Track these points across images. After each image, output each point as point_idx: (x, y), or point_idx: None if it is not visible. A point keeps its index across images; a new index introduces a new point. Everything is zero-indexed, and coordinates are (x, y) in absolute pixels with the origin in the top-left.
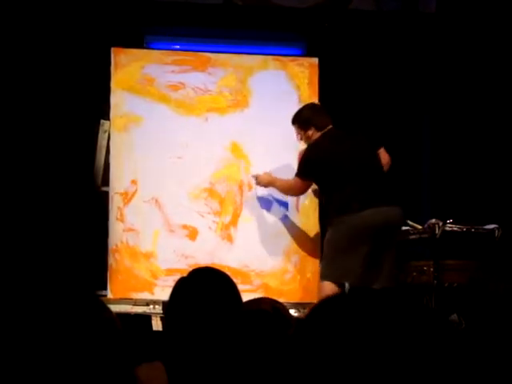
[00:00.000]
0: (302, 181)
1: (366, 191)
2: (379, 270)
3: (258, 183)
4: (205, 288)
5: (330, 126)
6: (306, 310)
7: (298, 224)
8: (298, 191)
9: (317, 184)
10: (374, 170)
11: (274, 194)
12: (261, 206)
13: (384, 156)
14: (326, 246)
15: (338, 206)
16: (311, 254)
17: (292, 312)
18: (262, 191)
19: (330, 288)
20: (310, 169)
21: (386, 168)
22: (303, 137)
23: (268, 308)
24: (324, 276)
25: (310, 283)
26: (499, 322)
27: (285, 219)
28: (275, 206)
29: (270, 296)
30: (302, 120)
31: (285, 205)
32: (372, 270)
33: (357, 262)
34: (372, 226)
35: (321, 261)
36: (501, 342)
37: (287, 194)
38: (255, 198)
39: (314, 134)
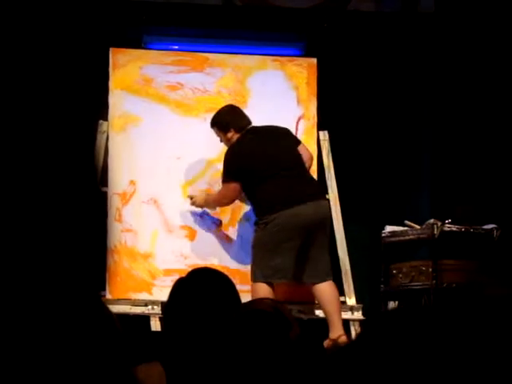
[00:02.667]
0: (230, 185)
1: (288, 189)
2: (312, 265)
3: (193, 203)
4: (203, 288)
5: (249, 126)
6: (305, 310)
7: None
8: (230, 198)
9: (241, 186)
10: (295, 166)
11: None
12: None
13: (305, 152)
14: (253, 247)
15: (261, 207)
16: None
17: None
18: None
19: (262, 288)
20: (232, 171)
21: (308, 164)
22: (224, 139)
23: (269, 308)
24: (255, 277)
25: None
26: (496, 323)
27: None
28: None
29: (271, 296)
30: (220, 123)
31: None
32: (304, 265)
33: (286, 260)
34: (297, 224)
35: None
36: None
37: (221, 205)
38: None
39: (233, 135)
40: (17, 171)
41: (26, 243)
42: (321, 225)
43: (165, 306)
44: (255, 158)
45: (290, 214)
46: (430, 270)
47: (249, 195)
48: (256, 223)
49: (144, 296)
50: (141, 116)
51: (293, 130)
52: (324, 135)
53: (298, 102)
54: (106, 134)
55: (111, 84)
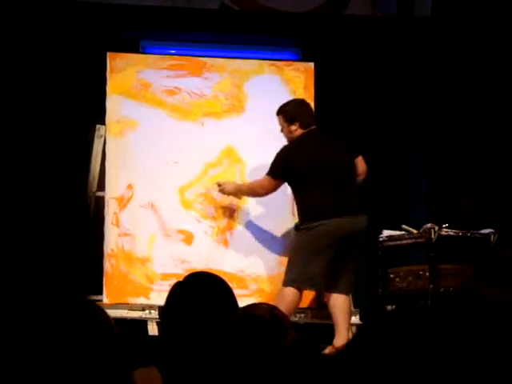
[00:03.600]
0: (272, 180)
1: (336, 200)
2: (338, 277)
3: (221, 190)
4: (201, 293)
5: (314, 127)
6: (303, 316)
7: (294, 228)
8: (267, 190)
9: (289, 185)
10: (347, 178)
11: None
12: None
13: (361, 165)
14: (292, 252)
15: (307, 212)
16: None
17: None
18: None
19: (292, 293)
20: (282, 170)
21: (361, 177)
22: (286, 130)
23: (265, 313)
24: (289, 281)
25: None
26: (492, 328)
27: (281, 224)
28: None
29: (265, 301)
30: (288, 113)
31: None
32: (332, 276)
33: (321, 269)
34: (338, 235)
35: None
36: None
37: (256, 195)
38: (251, 203)
39: (296, 130)
40: (14, 175)
41: (22, 248)
42: (355, 239)
43: (162, 310)
44: (309, 163)
45: (333, 223)
46: (427, 274)
47: (297, 198)
48: (298, 228)
49: (141, 300)
50: (138, 120)
51: None
52: None
53: None
54: (103, 139)
55: (109, 88)
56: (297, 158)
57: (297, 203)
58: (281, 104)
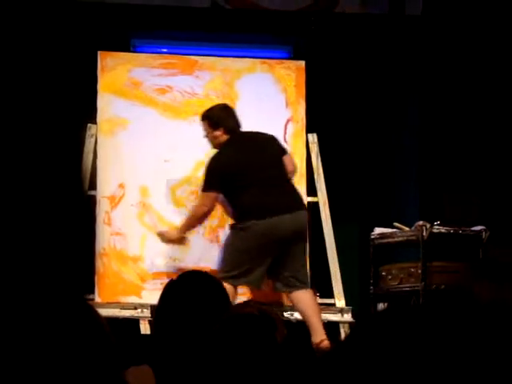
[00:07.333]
0: (211, 194)
1: (268, 199)
2: (294, 275)
3: (164, 240)
4: (194, 291)
5: (238, 131)
6: (295, 314)
7: None
8: (210, 206)
9: (222, 192)
10: (278, 176)
11: None
12: None
13: (289, 163)
14: (225, 248)
15: (240, 212)
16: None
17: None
18: None
19: (227, 288)
20: (218, 181)
21: (291, 175)
22: (210, 136)
23: (254, 311)
24: (221, 276)
25: None
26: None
27: None
28: None
29: (257, 299)
30: (212, 119)
31: None
32: (278, 275)
33: (255, 268)
34: (273, 235)
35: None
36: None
37: (202, 218)
38: None
39: (222, 135)
40: (5, 174)
41: (12, 247)
42: (297, 236)
43: (155, 308)
44: (239, 167)
45: (267, 224)
46: (419, 271)
47: (229, 200)
48: (232, 226)
49: (133, 299)
50: (129, 119)
51: (281, 133)
52: (313, 138)
53: (287, 104)
54: (94, 138)
55: (100, 87)
56: (228, 165)
57: (230, 205)
58: (271, 102)
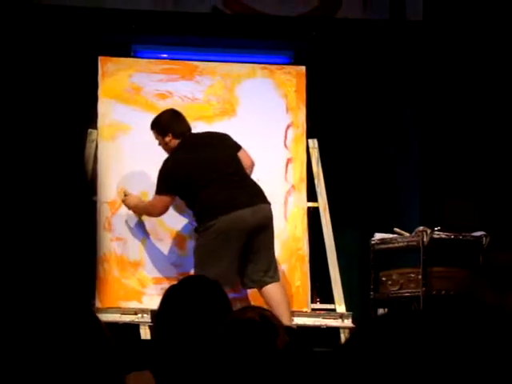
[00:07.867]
0: (162, 198)
1: (227, 195)
2: (256, 269)
3: (124, 202)
4: (195, 296)
5: (188, 133)
6: (296, 319)
7: (286, 232)
8: (160, 210)
9: (180, 197)
10: (235, 172)
11: None
12: None
13: (245, 158)
14: (195, 254)
15: (200, 213)
16: (300, 262)
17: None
18: None
19: None
20: (171, 184)
21: (249, 170)
22: (162, 143)
23: (255, 316)
24: None
25: (299, 292)
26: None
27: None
28: None
29: (259, 305)
30: (159, 126)
31: None
32: (246, 270)
33: (226, 267)
34: (236, 229)
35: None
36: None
37: (150, 215)
38: None
39: (171, 140)
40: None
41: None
42: (261, 228)
43: (156, 313)
44: (192, 168)
45: (229, 219)
46: (420, 277)
47: (188, 203)
48: (196, 230)
49: (134, 304)
50: (130, 124)
51: (282, 138)
52: (313, 143)
53: (287, 110)
54: (95, 143)
55: (100, 92)
56: (177, 168)
57: (190, 209)
58: (271, 107)
